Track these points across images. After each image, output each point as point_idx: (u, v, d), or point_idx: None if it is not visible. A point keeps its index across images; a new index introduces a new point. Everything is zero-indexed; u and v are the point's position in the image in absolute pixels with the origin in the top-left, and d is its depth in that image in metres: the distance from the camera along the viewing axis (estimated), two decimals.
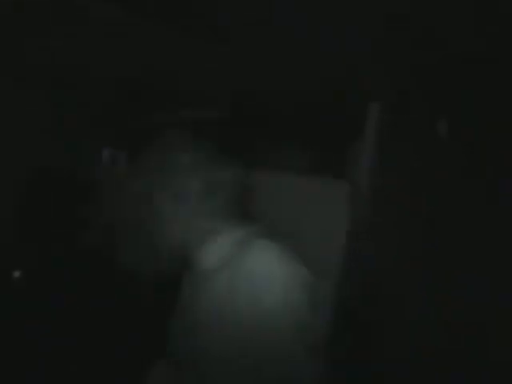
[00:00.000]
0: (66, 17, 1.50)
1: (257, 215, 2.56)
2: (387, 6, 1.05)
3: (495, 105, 1.39)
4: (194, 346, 0.94)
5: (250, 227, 1.06)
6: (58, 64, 2.13)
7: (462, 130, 1.45)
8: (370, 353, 1.51)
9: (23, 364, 2.04)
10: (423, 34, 1.19)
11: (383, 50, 1.37)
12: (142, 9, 1.41)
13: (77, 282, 2.28)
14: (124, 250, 1.04)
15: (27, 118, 2.55)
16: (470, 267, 1.36)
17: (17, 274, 2.18)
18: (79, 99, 2.92)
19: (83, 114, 3.07)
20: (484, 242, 1.36)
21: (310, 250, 2.26)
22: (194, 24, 1.50)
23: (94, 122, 3.13)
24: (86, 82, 2.51)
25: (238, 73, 2.02)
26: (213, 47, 1.69)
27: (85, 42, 1.79)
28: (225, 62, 1.87)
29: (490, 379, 1.31)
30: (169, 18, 1.47)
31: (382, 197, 1.58)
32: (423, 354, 1.43)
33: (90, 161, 3.02)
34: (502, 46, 1.19)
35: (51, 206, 2.44)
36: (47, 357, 2.11)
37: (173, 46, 1.76)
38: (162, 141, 1.10)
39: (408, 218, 1.52)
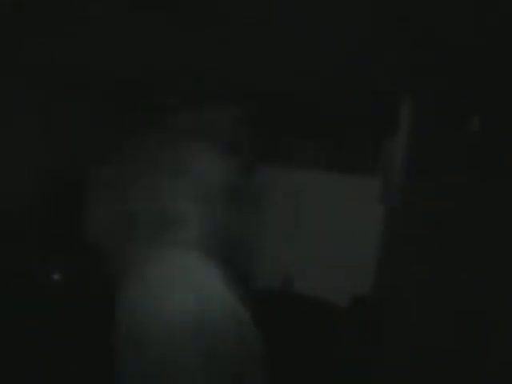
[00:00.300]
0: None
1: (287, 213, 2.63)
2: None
3: None
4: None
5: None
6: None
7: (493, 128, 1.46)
8: None
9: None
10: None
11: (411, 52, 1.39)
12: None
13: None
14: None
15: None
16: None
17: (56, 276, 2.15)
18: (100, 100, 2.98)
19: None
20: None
21: (345, 248, 2.29)
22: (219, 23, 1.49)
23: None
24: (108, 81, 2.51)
25: (269, 71, 2.01)
26: (236, 45, 1.70)
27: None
28: (252, 60, 1.87)
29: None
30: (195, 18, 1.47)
31: (414, 196, 1.59)
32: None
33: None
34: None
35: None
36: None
37: (198, 44, 1.77)
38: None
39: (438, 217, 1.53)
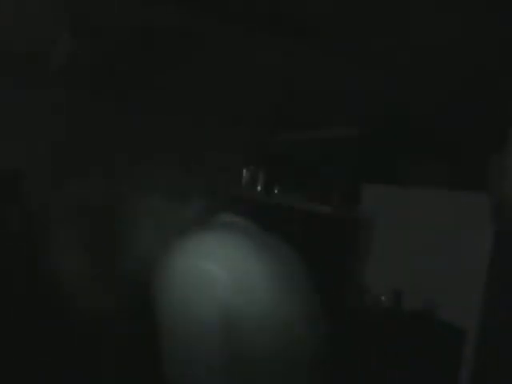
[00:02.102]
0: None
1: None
2: None
3: None
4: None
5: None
6: None
7: None
8: None
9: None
10: None
11: None
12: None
13: None
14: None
15: None
16: None
17: None
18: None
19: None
20: None
21: (452, 263, 2.29)
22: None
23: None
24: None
25: (377, 91, 2.02)
26: (352, 65, 1.70)
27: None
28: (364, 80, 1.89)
29: None
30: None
31: None
32: None
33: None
34: None
35: None
36: None
37: (312, 65, 1.78)
38: None
39: None
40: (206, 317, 0.78)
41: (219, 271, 0.80)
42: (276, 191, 3.23)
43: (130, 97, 3.69)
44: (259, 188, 3.31)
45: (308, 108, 2.60)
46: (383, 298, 2.49)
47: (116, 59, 2.25)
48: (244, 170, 3.39)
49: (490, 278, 1.98)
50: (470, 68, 1.58)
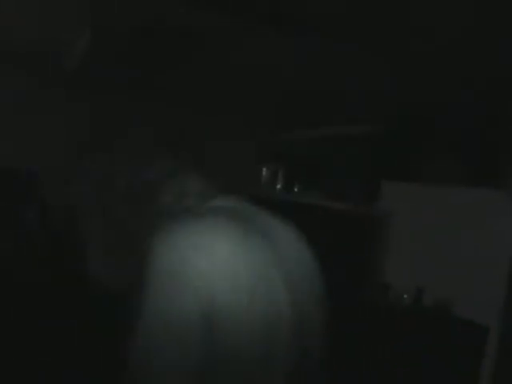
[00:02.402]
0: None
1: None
2: None
3: None
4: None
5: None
6: None
7: None
8: None
9: None
10: None
11: None
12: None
13: None
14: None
15: None
16: None
17: None
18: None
19: None
20: None
21: (474, 259, 2.29)
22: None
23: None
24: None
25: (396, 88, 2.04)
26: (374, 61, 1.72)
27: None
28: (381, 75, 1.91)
29: None
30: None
31: None
32: None
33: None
34: None
35: None
36: None
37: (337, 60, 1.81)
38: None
39: None
40: (185, 306, 0.76)
41: (200, 259, 0.78)
42: (295, 189, 3.25)
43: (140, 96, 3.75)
44: (279, 186, 3.34)
45: (325, 106, 2.61)
46: (405, 295, 2.48)
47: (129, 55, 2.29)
48: (263, 169, 3.41)
49: None
50: (485, 66, 1.57)
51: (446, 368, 2.17)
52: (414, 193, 2.69)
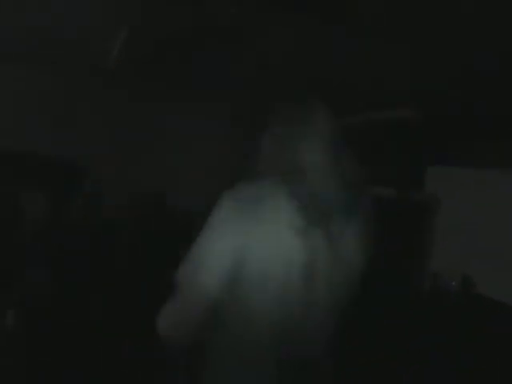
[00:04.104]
0: None
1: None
2: None
3: None
4: None
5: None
6: None
7: None
8: None
9: None
10: None
11: None
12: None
13: None
14: None
15: None
16: None
17: None
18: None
19: None
20: None
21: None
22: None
23: None
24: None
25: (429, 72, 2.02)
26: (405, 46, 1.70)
27: None
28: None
29: None
30: None
31: None
32: None
33: None
34: None
35: None
36: None
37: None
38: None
39: None
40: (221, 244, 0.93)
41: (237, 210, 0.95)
42: None
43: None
44: None
45: (371, 88, 2.54)
46: (453, 283, 2.42)
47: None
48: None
49: None
50: None
51: (495, 355, 2.11)
52: (462, 178, 2.61)
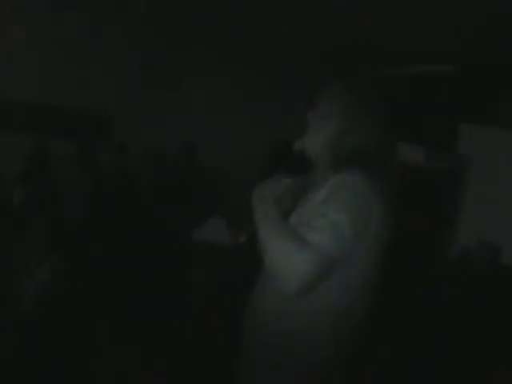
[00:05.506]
0: None
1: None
2: None
3: None
4: None
5: None
6: None
7: None
8: None
9: None
10: None
11: None
12: None
13: None
14: None
15: None
16: None
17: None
18: None
19: None
20: None
21: None
22: None
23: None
24: None
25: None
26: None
27: None
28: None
29: None
30: None
31: None
32: None
33: None
34: None
35: None
36: None
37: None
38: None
39: None
40: None
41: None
42: None
43: None
44: None
45: (399, 43, 2.46)
46: (477, 250, 2.35)
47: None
48: None
49: None
50: None
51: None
52: (496, 137, 2.39)
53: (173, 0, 2.71)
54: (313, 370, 1.02)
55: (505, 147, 2.33)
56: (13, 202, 2.49)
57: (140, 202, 3.42)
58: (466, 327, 2.17)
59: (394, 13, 1.97)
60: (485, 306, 2.11)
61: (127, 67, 4.00)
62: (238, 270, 2.29)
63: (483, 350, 2.09)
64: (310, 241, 0.93)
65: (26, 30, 3.59)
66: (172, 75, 4.21)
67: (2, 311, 1.85)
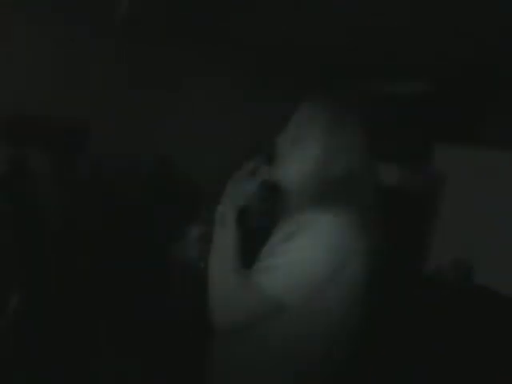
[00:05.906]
0: None
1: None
2: None
3: None
4: None
5: None
6: None
7: None
8: None
9: None
10: None
11: None
12: None
13: None
14: None
15: None
16: None
17: None
18: None
19: None
20: None
21: None
22: None
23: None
24: None
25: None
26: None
27: None
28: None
29: None
30: None
31: None
32: None
33: None
34: None
35: None
36: None
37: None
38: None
39: None
40: None
41: None
42: None
43: None
44: None
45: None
46: (449, 269, 2.41)
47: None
48: None
49: None
50: None
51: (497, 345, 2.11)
52: (469, 157, 2.46)
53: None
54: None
55: (479, 166, 2.43)
56: None
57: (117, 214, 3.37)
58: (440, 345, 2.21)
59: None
60: (457, 324, 2.16)
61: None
62: None
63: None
64: (256, 280, 0.90)
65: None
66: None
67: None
